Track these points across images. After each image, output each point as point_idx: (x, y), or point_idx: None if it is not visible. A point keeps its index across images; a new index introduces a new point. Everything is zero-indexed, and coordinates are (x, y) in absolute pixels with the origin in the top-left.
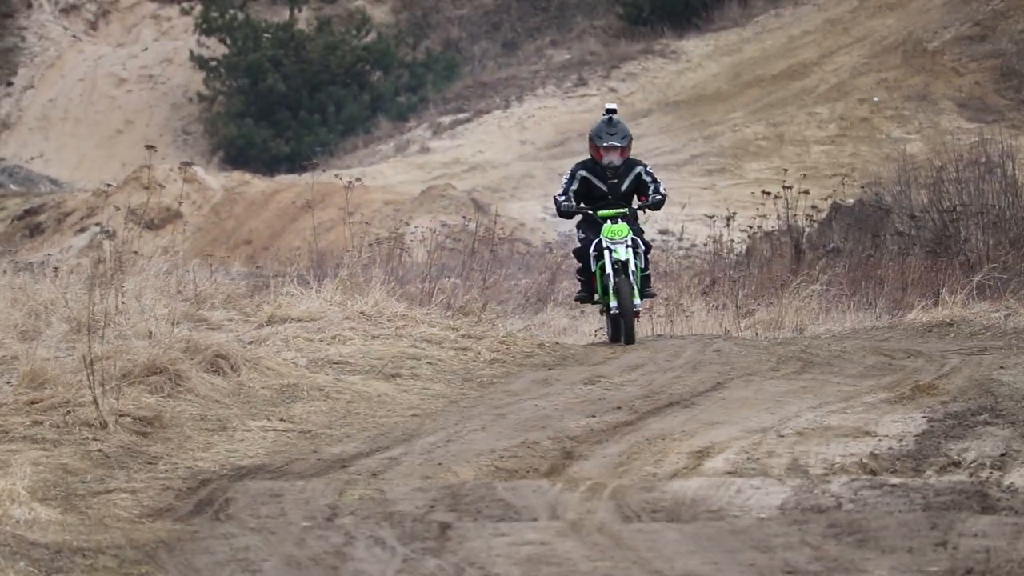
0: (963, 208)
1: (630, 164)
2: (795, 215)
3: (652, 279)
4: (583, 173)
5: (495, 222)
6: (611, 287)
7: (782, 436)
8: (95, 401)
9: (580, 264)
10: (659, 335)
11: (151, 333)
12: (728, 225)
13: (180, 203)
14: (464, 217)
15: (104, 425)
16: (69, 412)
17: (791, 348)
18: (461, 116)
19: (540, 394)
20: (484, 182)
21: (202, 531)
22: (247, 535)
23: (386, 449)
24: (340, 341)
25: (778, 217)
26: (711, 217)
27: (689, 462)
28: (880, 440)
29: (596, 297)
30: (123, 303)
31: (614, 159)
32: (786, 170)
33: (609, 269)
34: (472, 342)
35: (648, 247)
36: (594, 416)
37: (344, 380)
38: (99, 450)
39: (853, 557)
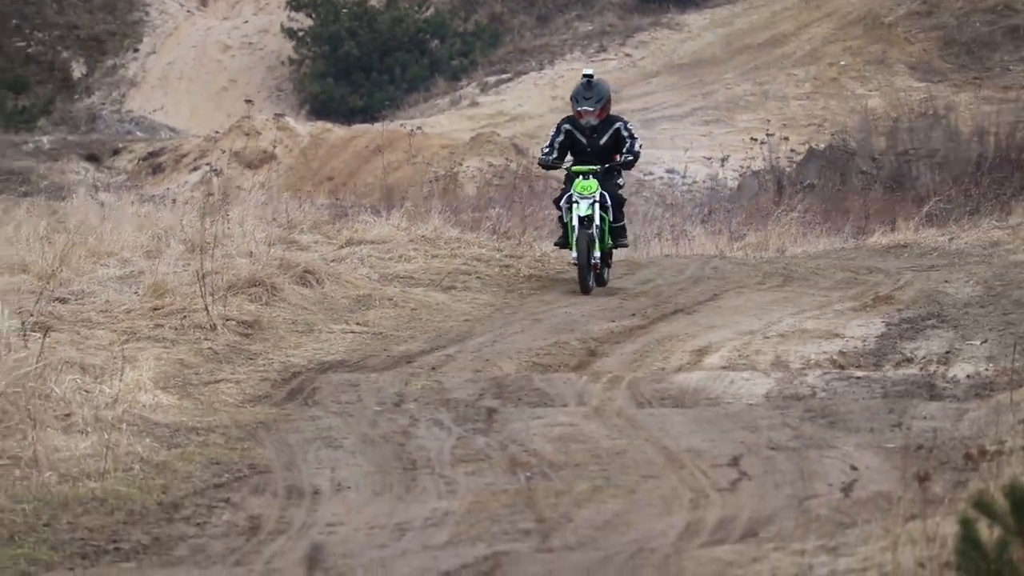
0: (914, 152)
1: (610, 120)
2: (777, 157)
3: (627, 230)
4: (567, 127)
5: (532, 163)
6: (573, 239)
7: (767, 337)
8: (206, 308)
9: (559, 212)
10: (666, 255)
11: (251, 253)
12: (723, 166)
13: (274, 147)
14: (507, 159)
15: (214, 327)
16: (185, 317)
17: (774, 266)
18: (503, 76)
19: (569, 303)
20: (523, 130)
21: (293, 414)
22: (330, 417)
23: (443, 348)
24: (405, 260)
25: (764, 159)
26: (709, 159)
27: (691, 359)
28: (847, 341)
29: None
30: (228, 228)
31: (591, 119)
32: (769, 121)
33: (575, 222)
34: (513, 261)
35: (621, 201)
36: (613, 321)
37: (409, 291)
38: (209, 348)
39: (825, 436)
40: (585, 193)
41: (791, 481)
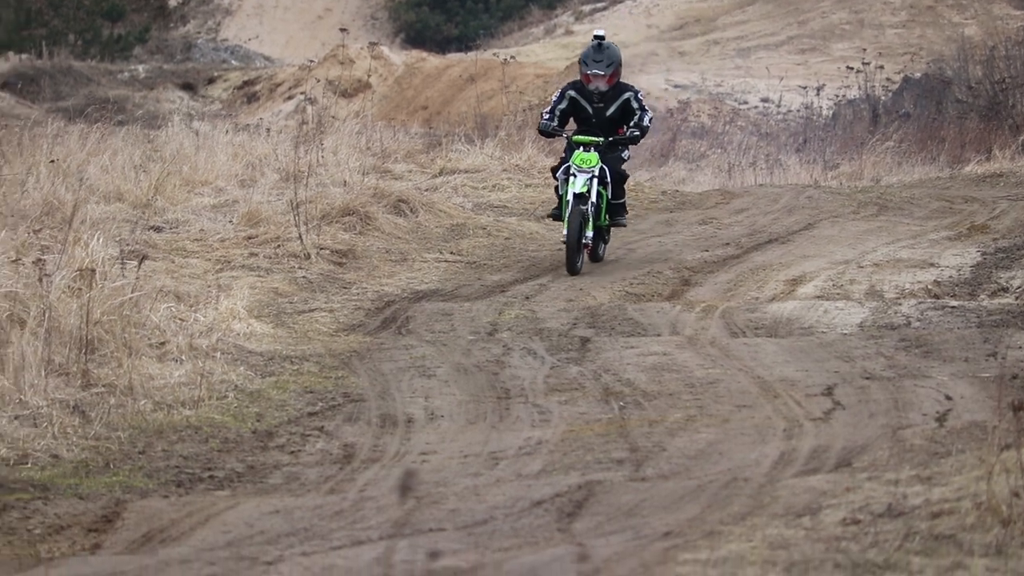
0: (1011, 80)
1: (620, 89)
2: (873, 86)
3: (626, 208)
4: (572, 93)
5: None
6: (565, 215)
7: (861, 267)
8: (300, 237)
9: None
10: (760, 184)
11: (345, 182)
12: (818, 94)
13: (369, 76)
14: None
15: (307, 256)
16: (279, 246)
17: (869, 195)
18: (598, 5)
19: (663, 232)
20: None
21: (387, 343)
22: (424, 346)
23: (537, 277)
24: (499, 189)
25: (859, 88)
26: (804, 88)
27: (785, 288)
28: (942, 270)
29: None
30: (322, 157)
31: (600, 85)
32: (865, 49)
33: (570, 197)
34: None
35: (623, 177)
36: (707, 250)
37: (502, 221)
38: (303, 277)
39: (920, 365)
40: (584, 167)
41: (885, 411)
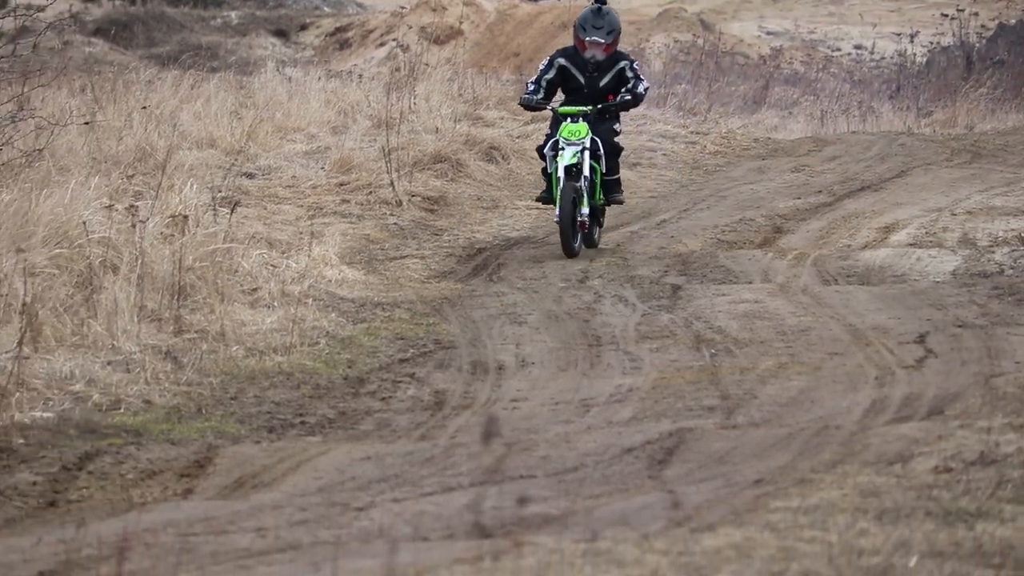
0: None
1: (615, 58)
2: (967, 33)
3: (621, 184)
4: (562, 62)
5: (719, 39)
6: (556, 192)
7: (954, 215)
8: (392, 184)
9: (543, 161)
10: (853, 131)
11: (437, 128)
12: (911, 41)
13: (460, 23)
14: (694, 35)
15: (399, 203)
16: (371, 192)
17: (962, 142)
18: None
19: (755, 180)
20: (710, 6)
21: (478, 290)
22: (515, 293)
23: (628, 225)
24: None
25: (953, 35)
26: (897, 35)
27: (877, 236)
28: None
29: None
30: (414, 104)
31: (597, 54)
32: None
33: (561, 172)
34: (699, 137)
35: (616, 149)
36: (799, 198)
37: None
38: (395, 223)
39: (1012, 313)
40: (572, 139)
41: (977, 359)
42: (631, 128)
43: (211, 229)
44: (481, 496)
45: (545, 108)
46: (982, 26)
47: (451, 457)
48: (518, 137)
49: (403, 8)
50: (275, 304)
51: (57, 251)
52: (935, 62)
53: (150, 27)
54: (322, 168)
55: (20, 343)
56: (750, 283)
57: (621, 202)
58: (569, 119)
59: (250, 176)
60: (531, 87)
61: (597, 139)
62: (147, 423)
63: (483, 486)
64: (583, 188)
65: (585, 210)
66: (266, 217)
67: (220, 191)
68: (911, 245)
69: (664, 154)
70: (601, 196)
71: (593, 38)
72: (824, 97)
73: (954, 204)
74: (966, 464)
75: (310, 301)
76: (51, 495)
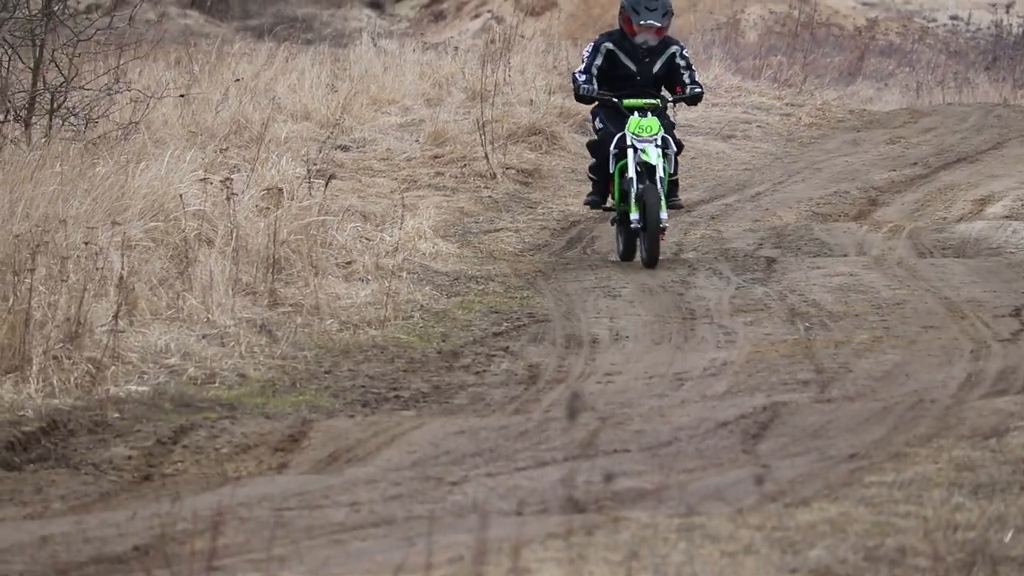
0: None
1: (665, 43)
2: None
3: (679, 186)
4: (610, 46)
5: (815, 10)
6: (634, 195)
7: None
8: (486, 156)
9: (594, 160)
10: (948, 103)
11: (531, 101)
12: (1008, 12)
13: None
14: (790, 6)
15: (493, 176)
16: (465, 165)
17: None
18: None
19: (850, 152)
20: None
21: (572, 263)
22: (608, 267)
23: (722, 197)
24: (684, 108)
25: None
26: (994, 5)
27: (973, 208)
28: None
29: (610, 203)
30: (509, 76)
31: (650, 39)
32: None
33: (632, 173)
34: (794, 109)
35: (679, 146)
36: (894, 170)
37: (688, 140)
38: (489, 196)
39: None
40: (645, 135)
41: None
42: (726, 100)
43: (306, 202)
44: (575, 470)
45: (608, 100)
46: None
47: (545, 431)
48: None
49: None
50: (369, 277)
51: (153, 224)
52: None
53: None
54: (416, 141)
55: (116, 316)
56: (845, 256)
57: (681, 206)
58: (636, 112)
59: (345, 149)
60: (583, 77)
61: (668, 137)
62: (242, 397)
63: (577, 460)
64: (662, 191)
65: (664, 215)
66: (360, 190)
67: (315, 164)
68: (1007, 217)
69: (759, 126)
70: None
71: (649, 21)
72: (919, 68)
73: None
74: None
75: (404, 274)
76: (146, 469)
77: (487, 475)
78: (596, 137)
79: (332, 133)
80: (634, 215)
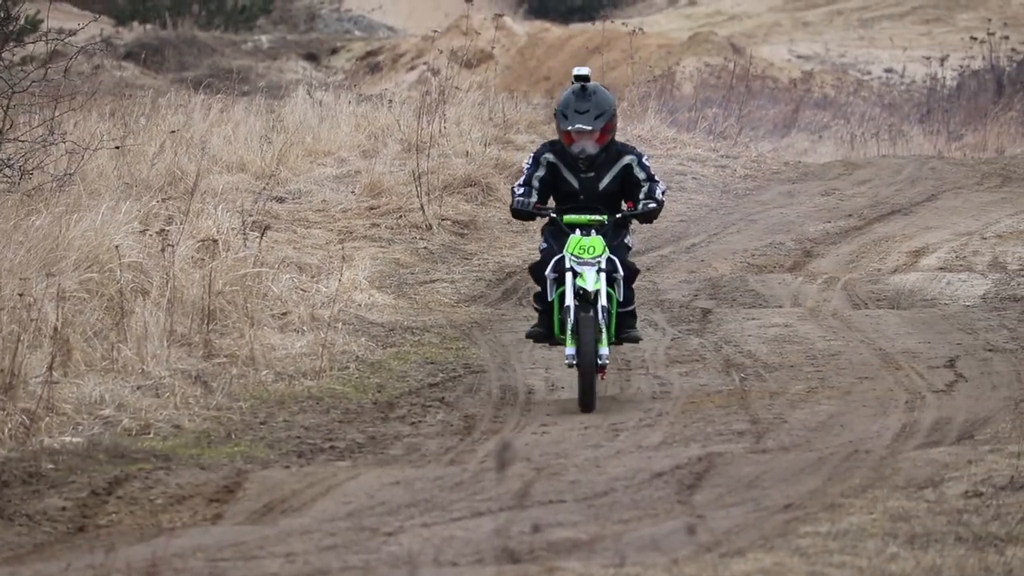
0: None
1: (616, 152)
2: (997, 57)
3: (637, 317)
4: (550, 158)
5: (750, 62)
6: (570, 326)
7: (985, 238)
8: (422, 208)
9: (538, 287)
10: (883, 155)
11: (467, 152)
12: (942, 65)
13: (492, 47)
14: (724, 59)
15: (429, 227)
16: (401, 216)
17: (993, 166)
18: None
19: (785, 204)
20: (740, 29)
21: (508, 314)
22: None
23: (658, 248)
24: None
25: (983, 58)
26: (928, 59)
27: (908, 260)
28: None
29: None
30: (445, 128)
31: (587, 146)
32: (991, 20)
33: (570, 300)
34: (729, 161)
35: (633, 272)
36: (829, 222)
37: None
38: (425, 247)
39: None
40: (587, 257)
41: (1008, 383)
42: (661, 152)
43: (241, 253)
44: (510, 521)
45: (546, 215)
46: (1012, 50)
47: (481, 482)
48: None
49: (434, 32)
50: (305, 328)
51: (88, 275)
52: (965, 86)
53: (181, 51)
54: (352, 192)
55: (50, 367)
56: (780, 307)
57: (639, 339)
58: (579, 231)
59: (280, 200)
60: (520, 190)
61: (614, 258)
62: (176, 448)
63: (512, 511)
64: (602, 322)
65: (605, 350)
66: (296, 241)
67: (250, 215)
68: (941, 269)
69: (694, 177)
70: (613, 333)
71: (577, 125)
72: (854, 121)
73: (984, 228)
74: (996, 489)
75: (340, 325)
76: (80, 520)
77: (422, 525)
78: (539, 259)
79: (267, 184)
80: (569, 350)
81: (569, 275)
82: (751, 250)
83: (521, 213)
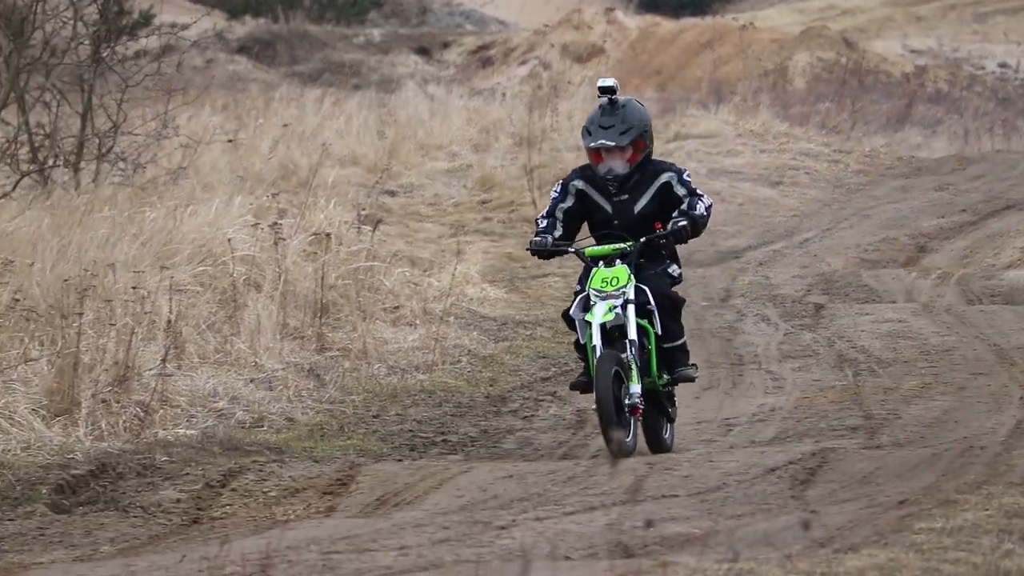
0: None
1: (651, 171)
2: None
3: (687, 351)
4: (579, 185)
5: (862, 57)
6: (593, 366)
7: None
8: (534, 201)
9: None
10: (998, 150)
11: (579, 147)
12: None
13: (603, 41)
14: (837, 53)
15: None
16: (513, 210)
17: None
18: None
19: (898, 198)
20: (853, 24)
21: None
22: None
23: (770, 243)
24: (733, 154)
25: None
26: None
27: (1022, 255)
28: None
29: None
30: (556, 122)
31: (615, 165)
32: None
33: (596, 339)
34: (842, 155)
35: (676, 302)
36: (943, 217)
37: (736, 186)
38: None
39: None
40: (609, 290)
41: None
42: (774, 147)
43: (354, 247)
44: (623, 515)
45: (565, 251)
46: None
47: (593, 476)
48: (660, 155)
49: (545, 26)
50: (417, 322)
51: (201, 268)
52: None
53: (293, 45)
54: (464, 186)
55: (164, 360)
56: (893, 302)
57: (693, 378)
58: (601, 263)
59: (392, 194)
60: (543, 223)
61: (645, 287)
62: (290, 441)
63: (625, 505)
64: (631, 358)
65: (636, 388)
66: (408, 235)
67: (363, 209)
68: None
69: (807, 172)
70: (660, 374)
71: (600, 142)
72: (968, 116)
73: None
74: None
75: (452, 319)
76: (195, 512)
77: (535, 519)
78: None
79: (380, 178)
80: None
81: (591, 311)
82: (864, 245)
83: (541, 252)
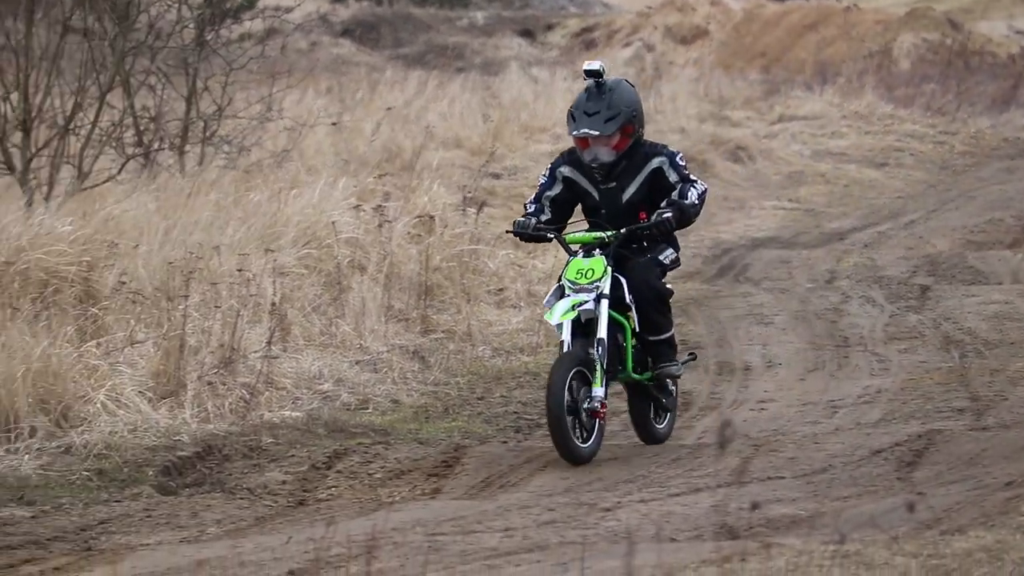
0: None
1: (642, 154)
2: None
3: (674, 344)
4: (565, 172)
5: (968, 38)
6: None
7: None
8: None
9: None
10: None
11: (683, 128)
12: None
13: (707, 23)
14: (942, 34)
15: None
16: None
17: None
18: None
19: (1004, 180)
20: (958, 5)
21: (724, 290)
22: (761, 294)
23: (876, 225)
24: (838, 136)
25: None
26: None
27: None
28: None
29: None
30: (660, 104)
31: (600, 153)
32: None
33: (566, 335)
34: (947, 137)
35: (660, 294)
36: None
37: (841, 168)
38: None
39: None
40: (581, 282)
41: None
42: (879, 128)
43: (458, 229)
44: (728, 497)
45: (548, 238)
46: None
47: (698, 458)
48: (764, 137)
49: (649, 8)
50: (521, 304)
51: (305, 251)
52: None
53: (396, 27)
54: None
55: (269, 342)
56: (1000, 284)
57: (679, 374)
58: (580, 252)
59: (496, 176)
60: (530, 207)
61: (622, 278)
62: (395, 422)
63: (730, 487)
64: (597, 356)
65: (598, 391)
66: (512, 217)
67: (467, 191)
68: None
69: (912, 154)
70: (634, 366)
71: (583, 130)
72: None
73: None
74: None
75: None
76: (301, 494)
77: (640, 501)
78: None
79: (484, 161)
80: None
81: (559, 303)
82: (970, 227)
83: (524, 235)
